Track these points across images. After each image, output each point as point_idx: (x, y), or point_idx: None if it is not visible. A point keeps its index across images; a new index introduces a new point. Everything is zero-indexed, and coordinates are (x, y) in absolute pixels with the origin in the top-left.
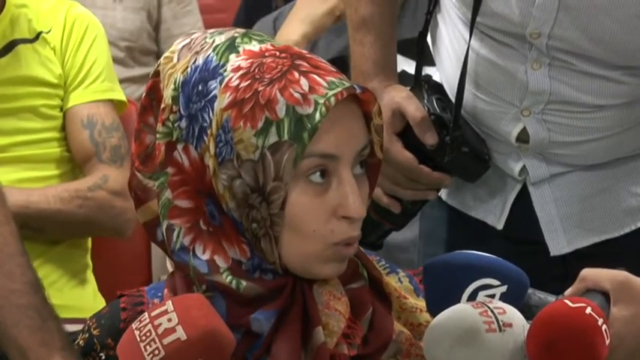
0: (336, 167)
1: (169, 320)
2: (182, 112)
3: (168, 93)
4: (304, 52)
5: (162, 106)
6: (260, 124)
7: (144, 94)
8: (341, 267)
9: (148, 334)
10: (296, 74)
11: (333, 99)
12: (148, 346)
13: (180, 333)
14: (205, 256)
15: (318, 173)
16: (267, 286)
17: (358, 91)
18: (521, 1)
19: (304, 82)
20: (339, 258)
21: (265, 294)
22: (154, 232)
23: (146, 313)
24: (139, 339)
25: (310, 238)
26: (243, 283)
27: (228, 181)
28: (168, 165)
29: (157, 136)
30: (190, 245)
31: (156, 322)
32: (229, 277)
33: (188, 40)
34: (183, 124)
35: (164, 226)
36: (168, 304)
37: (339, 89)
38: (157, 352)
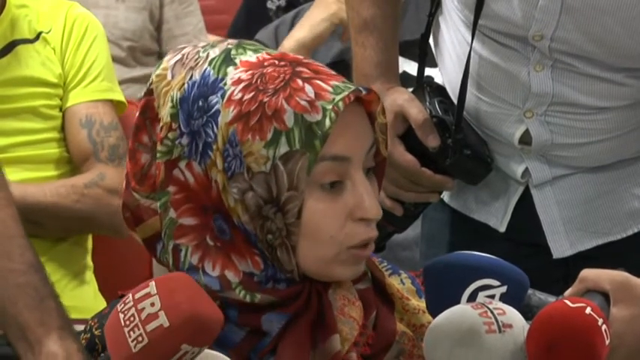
0: (348, 170)
1: (152, 305)
2: (183, 129)
3: (165, 111)
4: (301, 57)
5: (160, 124)
6: (269, 136)
7: (137, 114)
8: (358, 269)
9: (132, 318)
10: (299, 82)
11: (341, 104)
12: (132, 332)
13: (163, 319)
14: (215, 273)
15: (332, 179)
16: (280, 295)
17: (364, 92)
18: (524, 4)
19: (309, 89)
20: (356, 260)
21: (279, 302)
22: (154, 249)
23: (130, 295)
24: (123, 323)
25: (327, 243)
26: (258, 295)
27: (240, 195)
28: (170, 184)
29: (157, 155)
30: (199, 263)
31: (139, 307)
32: (242, 292)
33: (180, 56)
34: (185, 140)
35: (170, 247)
36: (152, 286)
37: (346, 93)
38: (140, 339)
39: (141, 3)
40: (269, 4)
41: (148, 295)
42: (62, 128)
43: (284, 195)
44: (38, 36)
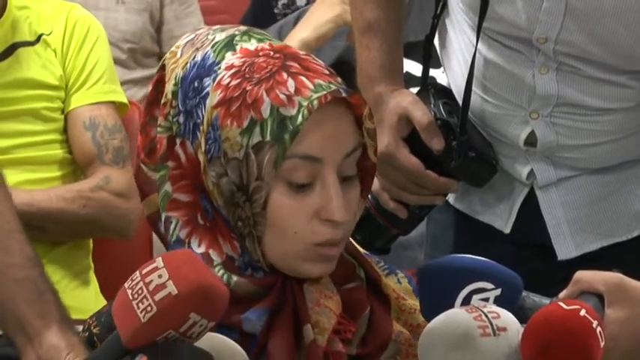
0: (320, 170)
1: (160, 276)
2: (180, 107)
3: (169, 87)
4: (300, 52)
5: (164, 100)
6: (245, 123)
7: (151, 88)
8: (327, 267)
9: (140, 291)
10: (284, 75)
11: (316, 102)
12: (140, 304)
13: (172, 288)
14: (201, 249)
15: (301, 179)
16: (257, 283)
17: (344, 94)
18: (528, 6)
19: (291, 84)
20: (322, 258)
21: (256, 292)
22: (157, 225)
23: (137, 272)
24: (131, 297)
25: (291, 239)
26: (234, 278)
27: (216, 178)
28: (169, 158)
29: (158, 129)
30: (186, 238)
31: (147, 280)
32: (221, 272)
33: (193, 36)
34: (181, 119)
35: (163, 218)
36: (159, 261)
37: (324, 92)
38: (149, 308)
39: (141, 5)
40: (276, 10)
41: (155, 269)
42: (64, 130)
43: (252, 184)
44: (39, 38)
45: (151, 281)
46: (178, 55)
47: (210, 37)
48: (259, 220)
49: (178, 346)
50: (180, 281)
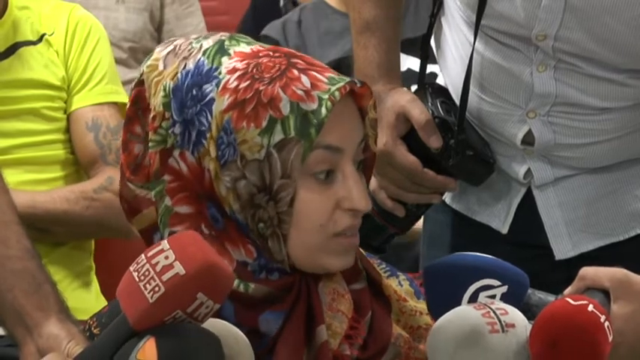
0: (339, 161)
1: (166, 258)
2: (175, 117)
3: (157, 100)
4: (293, 50)
5: (152, 114)
6: (264, 123)
7: (128, 104)
8: (348, 259)
9: (147, 273)
10: (295, 72)
11: (337, 93)
12: (147, 285)
13: (179, 268)
14: None
15: (324, 170)
16: (274, 285)
17: (358, 85)
18: (527, 3)
19: (305, 79)
20: (343, 249)
21: (272, 294)
22: (151, 239)
23: (142, 255)
24: (137, 279)
25: (316, 232)
26: (251, 285)
27: (232, 183)
28: (165, 172)
29: (150, 144)
30: None
31: (153, 261)
32: (236, 281)
33: (172, 47)
34: (178, 129)
35: (166, 234)
36: (164, 244)
37: (342, 84)
38: (157, 289)
39: (141, 4)
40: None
41: (161, 251)
42: (66, 130)
43: (277, 183)
44: (41, 38)
45: (158, 262)
46: (161, 68)
47: (195, 45)
48: (285, 219)
49: (186, 327)
50: (187, 261)
